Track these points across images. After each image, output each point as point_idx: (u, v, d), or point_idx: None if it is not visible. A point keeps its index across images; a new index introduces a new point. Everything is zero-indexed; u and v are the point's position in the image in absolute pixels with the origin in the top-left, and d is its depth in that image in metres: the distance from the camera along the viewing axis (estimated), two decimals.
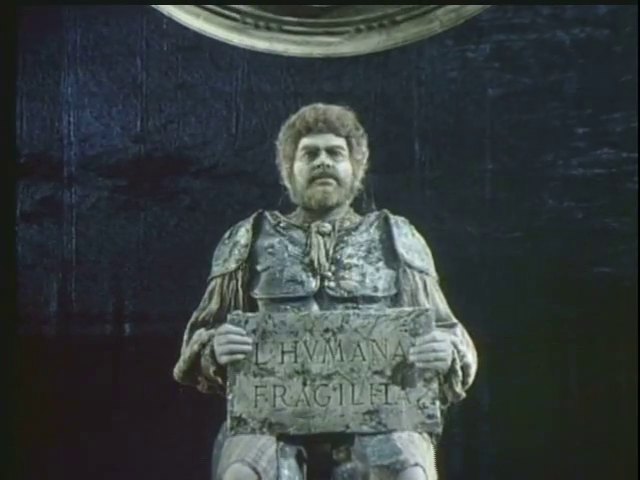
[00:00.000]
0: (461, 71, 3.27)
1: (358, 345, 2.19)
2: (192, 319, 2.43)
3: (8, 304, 2.69)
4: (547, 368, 3.16)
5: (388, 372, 2.18)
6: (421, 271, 2.39)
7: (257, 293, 2.38)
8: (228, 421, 2.20)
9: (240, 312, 2.28)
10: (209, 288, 2.45)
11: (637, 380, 3.04)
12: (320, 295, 2.33)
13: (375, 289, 2.33)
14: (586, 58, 3.25)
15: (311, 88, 3.22)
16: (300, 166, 2.40)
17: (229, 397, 2.20)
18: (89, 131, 3.29)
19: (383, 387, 2.18)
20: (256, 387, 2.19)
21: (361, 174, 2.47)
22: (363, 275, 2.34)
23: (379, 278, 2.35)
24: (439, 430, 2.21)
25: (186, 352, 2.35)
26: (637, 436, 3.01)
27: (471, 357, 2.31)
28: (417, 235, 2.48)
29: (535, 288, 3.16)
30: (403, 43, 3.25)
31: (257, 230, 2.45)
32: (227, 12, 3.25)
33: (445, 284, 2.47)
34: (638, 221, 3.14)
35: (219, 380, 2.28)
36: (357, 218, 2.47)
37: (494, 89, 3.27)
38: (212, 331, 2.30)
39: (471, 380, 2.32)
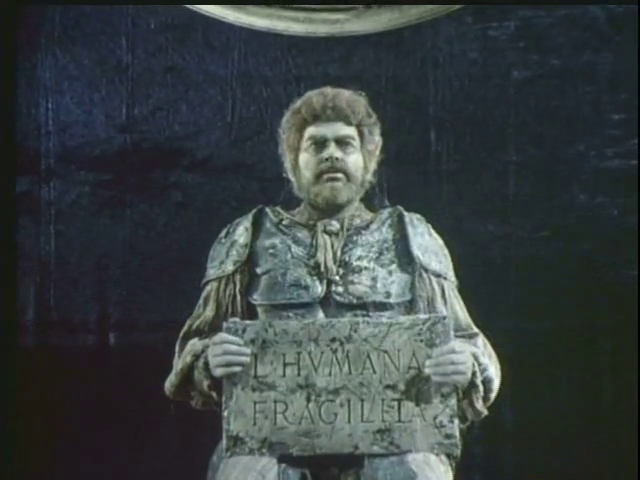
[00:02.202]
0: (482, 52, 3.28)
1: (368, 356, 2.20)
2: (184, 328, 2.44)
3: None
4: (577, 383, 3.17)
5: (401, 386, 2.19)
6: (438, 275, 2.40)
7: (257, 299, 2.39)
8: (224, 441, 2.21)
9: (238, 320, 2.29)
10: (203, 293, 2.46)
11: None
12: (326, 301, 2.34)
13: (387, 295, 2.34)
14: (622, 36, 3.25)
15: (315, 71, 3.23)
16: (306, 158, 2.41)
17: (225, 414, 2.21)
18: (69, 119, 3.30)
19: (396, 403, 2.19)
20: (255, 403, 2.21)
21: (373, 166, 2.47)
22: (374, 279, 2.35)
23: (392, 283, 2.36)
24: (458, 451, 2.23)
25: (178, 364, 2.37)
26: None
27: (493, 370, 2.32)
28: (434, 235, 2.49)
29: (564, 293, 3.17)
30: (417, 21, 3.26)
31: (257, 228, 2.47)
32: None
33: (465, 289, 2.48)
34: None
35: (214, 395, 2.29)
36: (368, 215, 2.48)
37: (519, 72, 3.28)
38: (206, 341, 2.31)
39: (493, 396, 2.33)
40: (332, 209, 2.41)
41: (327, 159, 2.37)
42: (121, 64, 3.30)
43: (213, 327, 2.38)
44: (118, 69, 3.31)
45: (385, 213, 2.49)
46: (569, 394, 3.16)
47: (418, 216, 2.49)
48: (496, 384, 2.33)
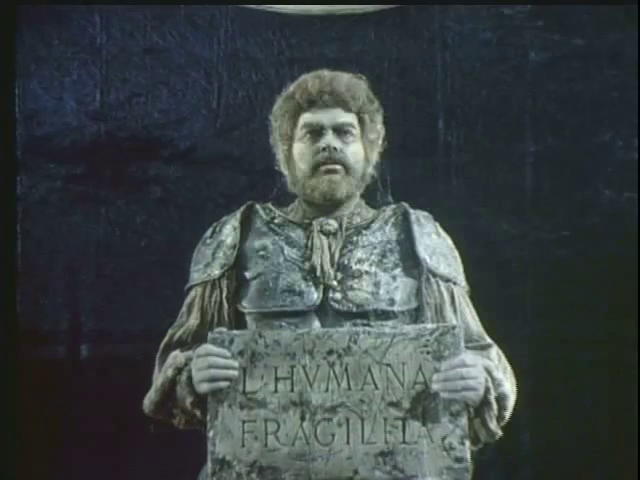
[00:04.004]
0: (496, 31, 3.29)
1: (369, 370, 2.21)
2: (165, 338, 2.45)
3: None
4: (603, 399, 3.18)
5: (406, 404, 2.20)
6: (448, 279, 2.41)
7: (246, 306, 2.39)
8: (209, 464, 2.21)
9: (224, 329, 2.29)
10: (187, 300, 2.47)
11: None
12: (323, 309, 2.35)
13: (391, 302, 2.35)
14: None
15: (311, 53, 3.24)
16: (301, 148, 2.41)
17: (210, 434, 2.22)
18: (37, 106, 3.31)
19: (400, 423, 2.19)
20: (243, 422, 2.21)
21: (375, 158, 2.48)
22: (376, 285, 2.35)
23: (396, 288, 2.36)
24: (469, 477, 2.22)
25: (158, 379, 2.37)
26: None
27: (509, 386, 2.32)
28: (443, 234, 2.50)
29: (588, 300, 3.17)
30: None
31: (246, 228, 2.47)
32: None
33: (477, 295, 2.48)
34: None
35: (198, 413, 2.29)
36: (370, 213, 2.49)
37: (537, 53, 3.28)
38: (190, 353, 2.32)
39: (508, 415, 2.33)
40: (329, 206, 2.42)
41: (324, 149, 2.38)
42: (94, 44, 3.31)
43: (197, 337, 2.38)
44: (91, 50, 3.31)
45: (388, 211, 2.49)
46: (594, 413, 3.17)
47: (425, 214, 2.50)
48: (512, 401, 2.33)
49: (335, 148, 2.38)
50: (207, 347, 2.24)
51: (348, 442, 2.19)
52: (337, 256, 2.38)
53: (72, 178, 3.29)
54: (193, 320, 2.42)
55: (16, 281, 3.18)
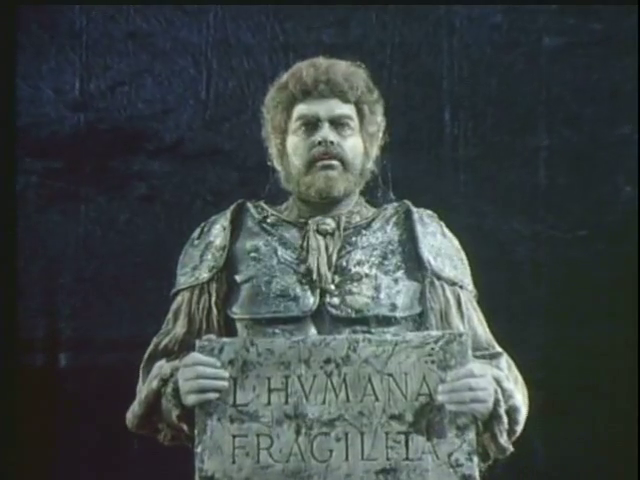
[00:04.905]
0: (507, 15, 3.29)
1: (369, 381, 2.21)
2: (150, 347, 2.44)
3: None
4: (620, 411, 3.18)
5: (409, 417, 2.20)
6: (454, 283, 2.41)
7: (236, 312, 2.39)
8: None
9: (213, 337, 2.29)
10: (173, 306, 2.47)
11: None
12: (320, 315, 2.34)
13: (392, 307, 2.35)
14: None
15: (307, 38, 3.25)
16: (295, 142, 2.41)
17: (198, 450, 2.21)
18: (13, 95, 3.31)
19: (403, 437, 2.19)
20: (234, 437, 2.21)
21: (375, 152, 2.48)
22: (377, 289, 2.35)
23: (398, 293, 2.36)
24: None
25: (142, 391, 2.37)
26: None
27: (520, 398, 2.32)
28: (449, 235, 2.50)
29: (606, 304, 3.17)
30: None
31: (236, 228, 2.47)
32: None
33: (485, 300, 2.49)
34: None
35: (185, 428, 2.29)
36: (369, 212, 2.49)
37: (551, 38, 3.29)
38: (176, 363, 2.32)
39: (520, 429, 2.33)
40: (326, 204, 2.42)
41: (320, 143, 2.38)
42: (73, 28, 3.31)
43: (184, 346, 2.38)
44: (70, 35, 3.31)
45: (390, 209, 2.49)
46: (613, 426, 3.17)
47: (429, 212, 2.50)
48: (523, 414, 2.33)
49: (332, 142, 2.37)
50: (195, 356, 2.24)
51: (347, 458, 2.19)
52: (335, 258, 2.38)
53: (50, 173, 3.30)
54: (180, 327, 2.42)
55: None
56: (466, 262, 2.48)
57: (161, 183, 3.29)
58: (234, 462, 2.20)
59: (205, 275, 2.42)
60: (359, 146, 2.43)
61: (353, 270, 2.38)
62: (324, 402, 2.21)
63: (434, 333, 2.26)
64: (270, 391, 2.21)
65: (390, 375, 2.21)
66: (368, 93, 2.45)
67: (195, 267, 2.45)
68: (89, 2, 3.29)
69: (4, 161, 3.23)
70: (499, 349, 2.41)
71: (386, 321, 2.34)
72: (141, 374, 2.42)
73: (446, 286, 2.40)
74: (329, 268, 2.37)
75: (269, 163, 2.50)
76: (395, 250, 2.41)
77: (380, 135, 2.48)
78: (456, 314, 2.39)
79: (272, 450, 2.20)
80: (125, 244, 3.27)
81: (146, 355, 2.44)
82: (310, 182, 2.39)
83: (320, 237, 2.41)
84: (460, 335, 2.23)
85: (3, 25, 3.26)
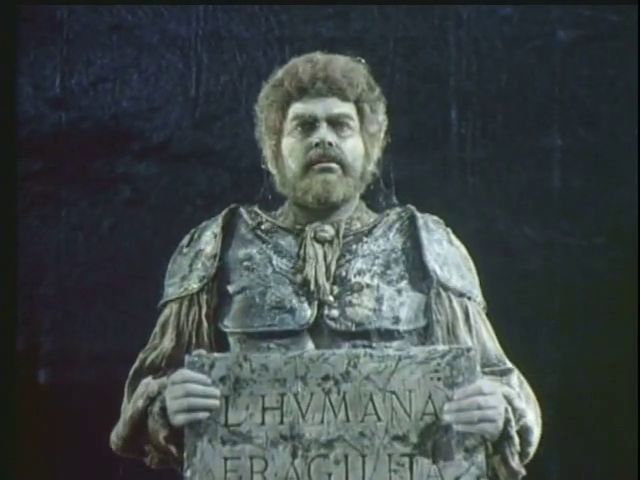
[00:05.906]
0: (518, 6, 3.29)
1: (371, 399, 2.21)
2: (136, 363, 2.44)
3: None
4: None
5: (413, 438, 2.20)
6: (461, 294, 2.41)
7: (228, 325, 2.39)
8: None
9: (204, 352, 2.29)
10: (161, 318, 2.46)
11: None
12: (317, 328, 2.35)
13: (396, 320, 2.35)
14: None
15: (304, 32, 3.25)
16: (291, 144, 2.41)
17: (188, 474, 2.21)
18: None
19: (407, 460, 2.19)
20: (226, 459, 2.21)
21: (377, 154, 2.48)
22: (379, 300, 2.35)
23: (401, 304, 2.36)
24: None
25: (127, 410, 2.37)
26: None
27: (533, 417, 2.33)
28: (456, 242, 2.50)
29: (622, 316, 3.18)
30: None
31: (228, 234, 2.47)
32: None
33: (495, 312, 2.49)
34: None
35: (173, 450, 2.29)
36: (371, 217, 2.49)
37: (566, 31, 3.29)
38: (164, 380, 2.32)
39: (533, 450, 2.34)
40: (324, 210, 2.42)
41: (317, 145, 2.38)
42: (54, 20, 3.31)
43: (173, 362, 2.38)
44: (50, 26, 3.32)
45: (392, 214, 2.50)
46: (630, 444, 3.17)
47: (435, 218, 2.50)
48: (536, 435, 2.33)
49: (330, 143, 2.38)
50: (184, 373, 2.24)
51: None
52: (333, 267, 2.38)
53: (28, 175, 3.30)
54: (168, 342, 2.42)
55: None
56: (474, 271, 2.49)
57: (148, 186, 3.29)
58: None
59: (195, 285, 2.42)
60: (359, 147, 2.43)
61: (353, 280, 2.38)
62: (322, 422, 2.21)
63: (440, 348, 2.26)
64: (264, 410, 2.21)
65: (393, 393, 2.21)
66: (369, 90, 2.45)
67: (184, 277, 2.45)
68: None
69: None
70: (510, 365, 2.41)
71: (389, 335, 2.34)
72: (126, 392, 2.42)
73: (453, 297, 2.40)
74: (327, 278, 2.37)
75: (263, 166, 2.50)
76: (398, 259, 2.42)
77: (382, 135, 2.49)
78: (464, 327, 2.39)
79: (266, 474, 2.20)
80: (109, 252, 3.27)
81: (131, 371, 2.44)
82: (307, 186, 2.39)
83: (318, 245, 2.41)
84: (468, 350, 2.24)
85: None
